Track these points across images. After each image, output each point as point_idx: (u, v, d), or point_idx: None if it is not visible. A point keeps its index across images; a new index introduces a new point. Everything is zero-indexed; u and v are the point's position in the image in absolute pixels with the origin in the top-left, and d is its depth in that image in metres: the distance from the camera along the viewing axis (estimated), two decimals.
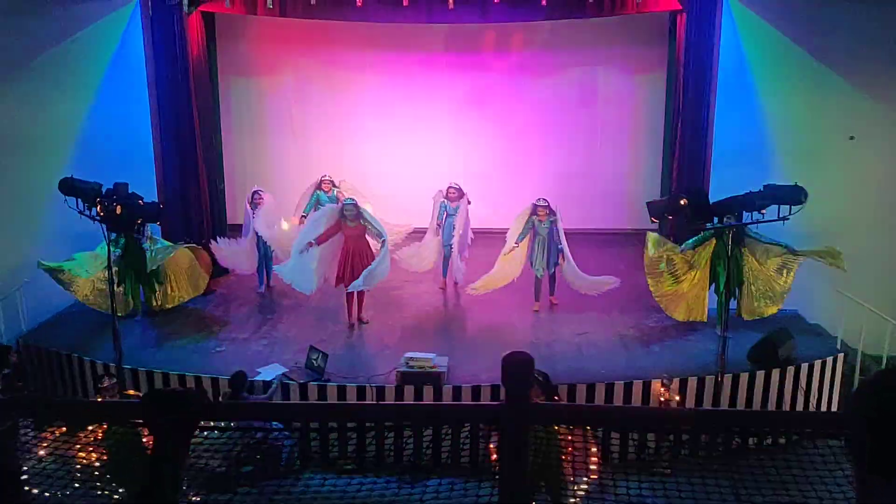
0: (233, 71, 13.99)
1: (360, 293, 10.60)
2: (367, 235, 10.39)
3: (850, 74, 10.55)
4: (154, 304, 10.84)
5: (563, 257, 10.74)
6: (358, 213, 10.26)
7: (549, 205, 10.76)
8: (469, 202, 11.65)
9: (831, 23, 10.37)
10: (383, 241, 10.30)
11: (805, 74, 10.52)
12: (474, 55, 13.90)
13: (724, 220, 8.72)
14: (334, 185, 12.17)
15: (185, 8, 11.07)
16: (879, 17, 10.40)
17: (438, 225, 11.57)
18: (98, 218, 8.65)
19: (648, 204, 8.91)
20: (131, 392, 8.09)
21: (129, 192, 8.95)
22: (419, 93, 14.01)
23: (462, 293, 11.83)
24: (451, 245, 11.51)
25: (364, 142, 14.15)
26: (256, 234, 11.50)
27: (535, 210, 10.78)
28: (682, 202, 8.24)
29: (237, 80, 14.12)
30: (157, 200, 9.84)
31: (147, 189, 10.48)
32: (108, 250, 8.94)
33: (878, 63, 10.55)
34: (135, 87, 11.08)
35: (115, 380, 7.96)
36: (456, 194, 11.55)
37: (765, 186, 8.88)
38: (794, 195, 8.71)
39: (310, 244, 10.18)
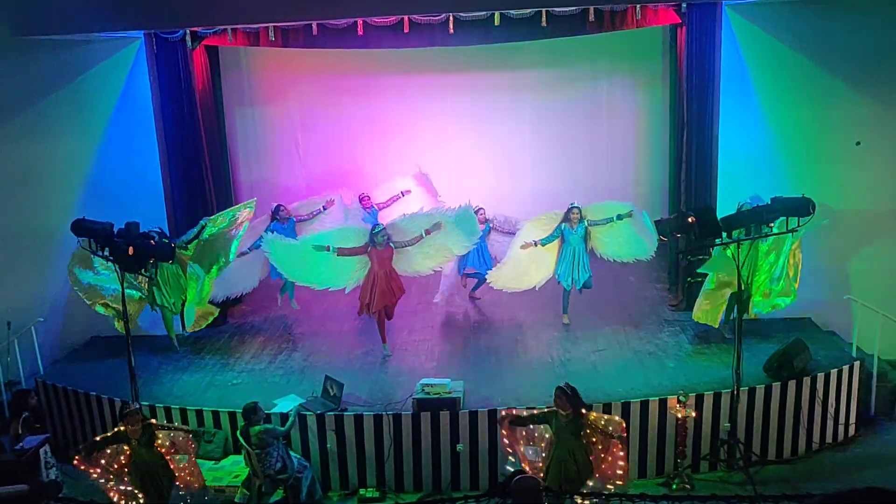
0: (238, 102, 14.07)
1: (384, 322, 10.58)
2: (394, 260, 10.40)
3: (854, 81, 10.49)
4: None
5: (628, 216, 10.79)
6: (389, 239, 10.31)
7: (580, 209, 10.83)
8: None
9: (832, 31, 10.34)
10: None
11: (808, 83, 10.47)
12: (477, 75, 13.94)
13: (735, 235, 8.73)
14: (373, 203, 12.32)
15: (189, 43, 11.15)
16: (881, 23, 10.38)
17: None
18: (110, 258, 8.72)
19: (656, 222, 8.92)
20: (153, 421, 8.16)
21: (140, 231, 9.01)
22: (424, 115, 14.06)
23: (473, 315, 11.87)
24: (477, 268, 11.66)
25: (371, 166, 14.19)
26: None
27: (567, 216, 10.83)
28: (689, 220, 8.25)
29: (242, 110, 14.20)
30: (169, 241, 9.90)
31: (157, 223, 10.50)
32: (122, 289, 9.00)
33: (882, 69, 10.52)
34: (142, 124, 11.15)
35: (138, 405, 8.02)
36: (483, 217, 11.62)
37: (772, 199, 8.88)
38: (802, 207, 8.71)
39: (328, 248, 10.23)
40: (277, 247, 10.59)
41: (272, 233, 11.04)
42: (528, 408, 8.26)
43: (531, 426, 7.91)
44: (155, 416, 9.44)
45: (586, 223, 10.88)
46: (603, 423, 7.70)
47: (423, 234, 10.41)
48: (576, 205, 10.89)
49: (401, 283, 10.50)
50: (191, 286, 10.79)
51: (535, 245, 10.92)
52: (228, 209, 11.21)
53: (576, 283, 10.98)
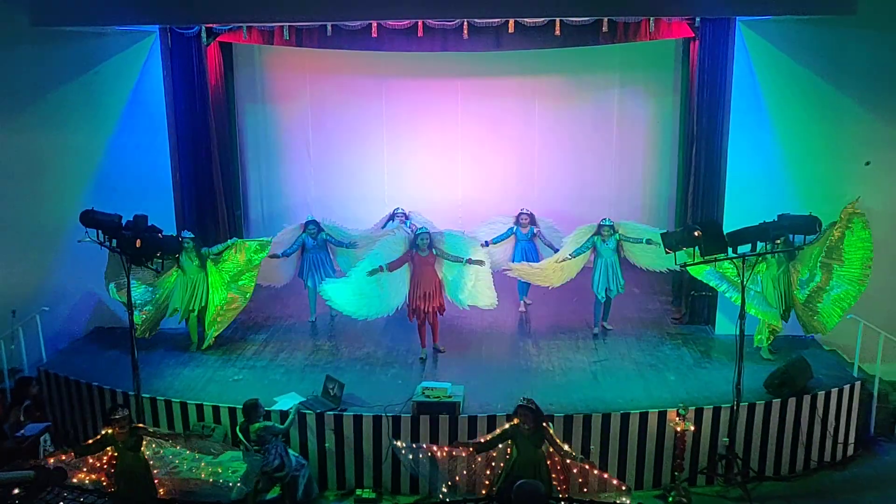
0: (249, 98, 14.14)
1: (434, 322, 10.63)
2: (436, 266, 10.41)
3: (865, 100, 10.48)
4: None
5: (655, 243, 10.69)
6: (431, 244, 10.32)
7: (613, 225, 10.92)
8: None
9: (845, 50, 10.34)
10: (467, 260, 10.33)
11: (819, 101, 10.45)
12: (490, 81, 13.99)
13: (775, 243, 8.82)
14: (407, 217, 12.29)
15: (204, 39, 11.23)
16: (893, 42, 10.39)
17: (486, 243, 11.56)
18: (118, 250, 8.75)
19: (663, 235, 8.92)
20: (140, 426, 8.14)
21: (149, 224, 9.02)
22: (435, 119, 14.11)
23: (475, 320, 11.84)
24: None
25: (380, 168, 14.25)
26: (304, 259, 11.61)
27: (598, 230, 10.94)
28: (695, 234, 8.25)
29: (254, 107, 14.26)
30: (175, 234, 9.93)
31: (165, 218, 10.56)
32: (128, 280, 9.01)
33: (893, 88, 10.53)
34: (154, 118, 11.18)
35: (126, 411, 8.01)
36: (527, 220, 11.74)
37: (779, 216, 8.88)
38: (808, 225, 8.72)
39: (381, 268, 10.22)
40: (335, 292, 10.46)
41: (304, 246, 11.54)
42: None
43: (499, 446, 8.01)
44: (155, 409, 9.49)
45: (618, 236, 10.94)
46: (564, 446, 7.86)
47: (465, 261, 10.35)
48: (608, 222, 10.95)
49: (442, 293, 10.46)
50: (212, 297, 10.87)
51: (571, 257, 11.03)
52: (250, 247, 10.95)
53: (610, 293, 11.09)
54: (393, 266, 10.25)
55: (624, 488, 8.08)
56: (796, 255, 10.03)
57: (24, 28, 10.58)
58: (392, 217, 12.34)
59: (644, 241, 10.88)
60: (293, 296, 12.20)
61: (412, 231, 10.76)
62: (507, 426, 7.88)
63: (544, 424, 7.77)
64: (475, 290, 10.45)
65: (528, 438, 7.68)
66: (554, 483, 7.90)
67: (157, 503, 7.75)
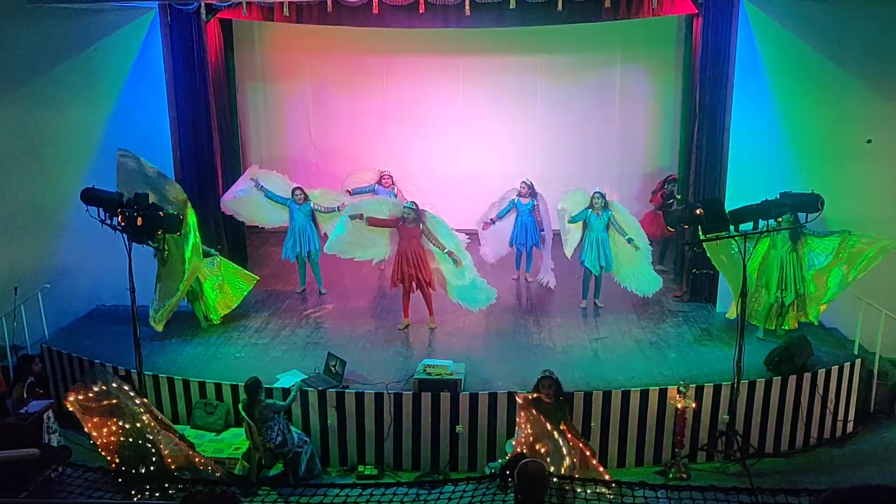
0: (250, 76, 14.09)
1: (427, 296, 10.66)
2: (422, 240, 10.39)
3: (868, 78, 10.44)
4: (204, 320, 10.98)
5: (634, 245, 10.83)
6: (417, 218, 10.30)
7: (605, 196, 10.84)
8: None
9: (848, 27, 10.27)
10: (448, 251, 10.28)
11: (822, 79, 10.40)
12: (491, 58, 13.93)
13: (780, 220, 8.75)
14: (394, 183, 12.27)
15: (203, 16, 11.15)
16: None
17: (492, 220, 11.72)
18: (119, 228, 8.73)
19: (665, 213, 8.92)
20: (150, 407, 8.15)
21: (150, 202, 9.00)
22: (436, 96, 14.08)
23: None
24: (523, 243, 11.85)
25: (380, 145, 14.23)
26: (297, 235, 11.64)
27: (591, 202, 10.89)
28: (697, 212, 8.25)
29: (254, 84, 14.22)
30: (176, 212, 9.90)
31: None
32: (129, 259, 8.99)
33: None
34: (154, 95, 11.14)
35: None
36: (528, 191, 11.67)
37: (781, 194, 8.87)
38: (810, 203, 8.70)
39: (361, 216, 10.29)
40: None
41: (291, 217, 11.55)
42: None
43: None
44: (158, 387, 9.53)
45: (610, 214, 10.88)
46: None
47: (446, 252, 10.30)
48: (599, 192, 10.87)
49: (429, 269, 10.45)
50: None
51: (572, 224, 10.98)
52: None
53: (604, 268, 11.08)
54: (373, 221, 10.32)
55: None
56: (802, 239, 9.97)
57: (22, 5, 10.52)
58: (378, 181, 12.32)
59: (627, 238, 10.83)
60: (295, 273, 12.21)
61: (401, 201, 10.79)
62: (529, 397, 7.80)
63: (562, 398, 7.70)
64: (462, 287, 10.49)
65: (551, 414, 7.62)
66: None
67: (162, 478, 7.79)
